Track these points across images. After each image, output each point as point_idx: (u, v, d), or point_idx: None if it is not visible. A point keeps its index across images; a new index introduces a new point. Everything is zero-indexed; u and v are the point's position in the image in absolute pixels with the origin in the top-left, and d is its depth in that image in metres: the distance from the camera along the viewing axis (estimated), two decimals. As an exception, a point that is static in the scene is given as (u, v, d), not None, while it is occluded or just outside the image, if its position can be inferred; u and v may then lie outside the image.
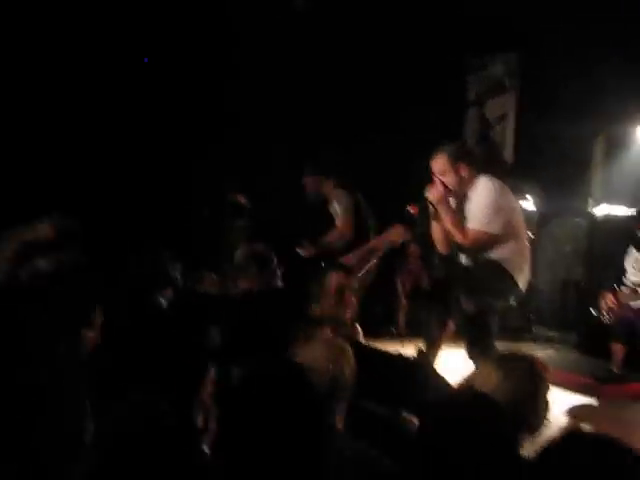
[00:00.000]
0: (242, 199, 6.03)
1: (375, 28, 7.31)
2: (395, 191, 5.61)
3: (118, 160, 6.55)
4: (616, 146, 7.53)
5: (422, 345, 4.28)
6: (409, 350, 4.67)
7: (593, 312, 5.55)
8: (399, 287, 6.95)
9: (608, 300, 5.46)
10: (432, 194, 4.19)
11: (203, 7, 6.94)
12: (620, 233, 6.44)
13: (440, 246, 4.39)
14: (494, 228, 4.01)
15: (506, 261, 4.08)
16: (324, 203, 5.65)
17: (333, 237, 5.48)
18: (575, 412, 4.57)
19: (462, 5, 7.48)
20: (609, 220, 6.81)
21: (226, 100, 7.14)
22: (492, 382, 2.19)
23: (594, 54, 6.97)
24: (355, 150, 7.02)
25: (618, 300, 5.42)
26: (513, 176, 7.68)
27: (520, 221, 4.24)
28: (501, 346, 5.80)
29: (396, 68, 7.49)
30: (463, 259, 4.25)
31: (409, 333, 6.51)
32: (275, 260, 3.88)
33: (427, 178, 4.26)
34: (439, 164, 4.20)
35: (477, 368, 2.39)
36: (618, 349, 5.57)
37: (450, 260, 4.37)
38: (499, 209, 4.05)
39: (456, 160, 4.18)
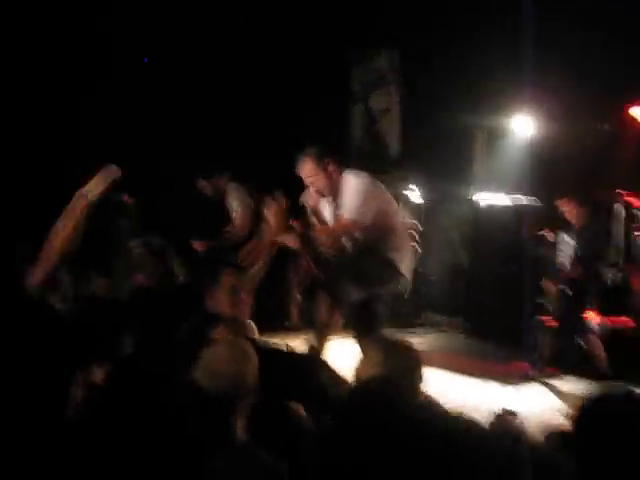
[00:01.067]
0: (126, 197, 5.91)
1: (257, 29, 7.33)
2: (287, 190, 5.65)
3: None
4: (495, 137, 7.86)
5: (312, 337, 4.36)
6: (301, 343, 4.75)
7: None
8: (291, 281, 7.00)
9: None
10: (307, 200, 4.28)
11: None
12: (500, 218, 6.76)
13: (325, 247, 4.46)
14: (365, 217, 4.13)
15: (388, 251, 4.21)
16: (221, 200, 5.63)
17: (230, 232, 5.48)
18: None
19: (343, 3, 7.63)
20: (490, 207, 7.11)
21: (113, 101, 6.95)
22: (375, 363, 2.30)
23: (471, 50, 7.26)
24: (245, 151, 7.03)
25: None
26: (399, 168, 7.93)
27: (394, 213, 4.39)
28: (391, 332, 6.04)
29: (280, 65, 7.53)
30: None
31: (303, 326, 6.58)
32: (172, 255, 3.82)
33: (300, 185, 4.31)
34: (307, 168, 4.26)
35: (363, 353, 2.48)
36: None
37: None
38: (368, 200, 4.16)
39: (321, 160, 4.25)
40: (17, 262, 3.54)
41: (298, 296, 7.24)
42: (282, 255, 6.72)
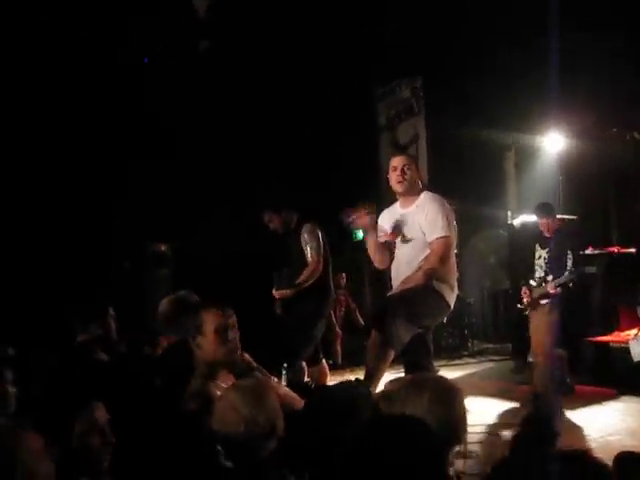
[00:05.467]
0: (163, 247, 5.82)
1: (284, 70, 7.38)
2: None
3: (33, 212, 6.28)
4: (526, 157, 7.75)
5: (361, 375, 4.20)
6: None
7: (518, 305, 5.65)
8: (332, 318, 6.87)
9: (524, 294, 5.58)
10: (358, 222, 4.17)
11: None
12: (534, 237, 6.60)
13: (376, 262, 4.34)
14: (452, 233, 4.04)
15: (442, 283, 4.06)
16: (284, 237, 5.29)
17: (306, 274, 5.07)
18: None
19: (364, 38, 7.65)
20: (526, 229, 6.94)
21: (142, 146, 6.95)
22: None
23: (495, 71, 7.19)
24: (277, 186, 7.01)
25: (531, 294, 5.55)
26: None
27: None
28: (439, 365, 5.88)
29: (310, 103, 7.55)
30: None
31: (347, 364, 6.44)
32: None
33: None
34: (404, 158, 4.25)
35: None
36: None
37: (384, 289, 4.34)
38: (450, 221, 4.08)
39: (415, 162, 4.34)
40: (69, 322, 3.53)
41: (339, 332, 7.12)
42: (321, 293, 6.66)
